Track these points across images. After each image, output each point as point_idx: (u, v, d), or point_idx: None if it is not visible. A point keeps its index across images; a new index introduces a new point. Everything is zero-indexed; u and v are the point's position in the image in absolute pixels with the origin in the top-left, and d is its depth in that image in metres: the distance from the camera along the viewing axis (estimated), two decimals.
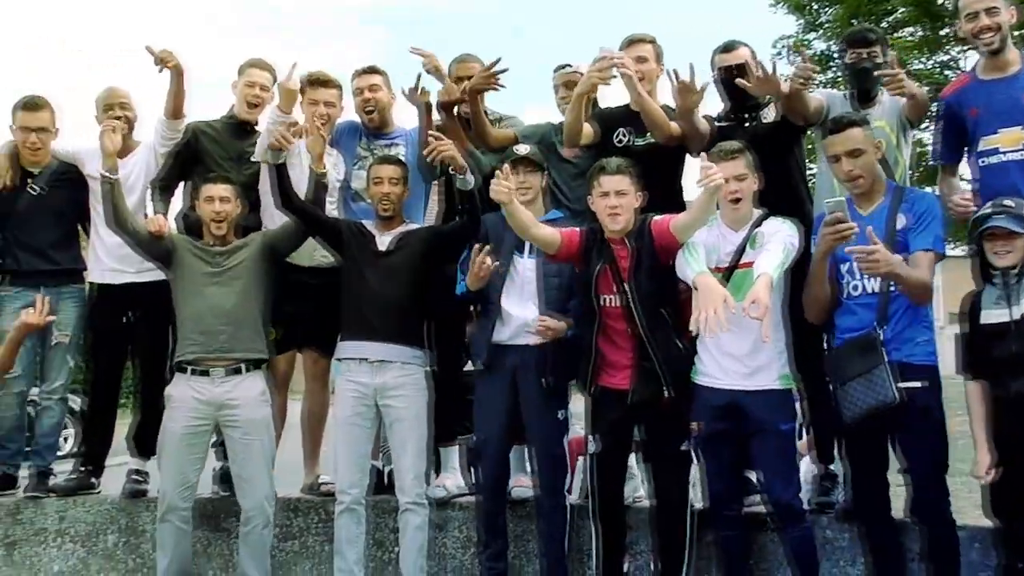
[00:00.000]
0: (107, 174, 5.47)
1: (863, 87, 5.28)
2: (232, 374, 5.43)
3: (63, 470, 6.24)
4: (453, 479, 5.86)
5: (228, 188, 5.58)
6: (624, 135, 5.60)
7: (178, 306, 5.57)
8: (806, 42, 22.96)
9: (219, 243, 5.56)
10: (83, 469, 5.99)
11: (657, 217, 4.96)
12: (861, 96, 5.29)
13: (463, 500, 5.78)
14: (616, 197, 4.92)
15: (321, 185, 5.55)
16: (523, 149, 5.38)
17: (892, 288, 4.62)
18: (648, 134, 5.47)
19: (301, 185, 5.56)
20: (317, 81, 5.90)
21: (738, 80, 5.18)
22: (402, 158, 5.81)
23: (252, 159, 5.87)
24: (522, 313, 5.24)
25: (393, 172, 5.56)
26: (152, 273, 5.87)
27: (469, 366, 5.63)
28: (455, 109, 5.83)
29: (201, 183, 5.65)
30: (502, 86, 5.64)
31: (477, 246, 5.12)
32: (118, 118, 5.83)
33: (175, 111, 5.92)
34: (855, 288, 4.74)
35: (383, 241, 5.52)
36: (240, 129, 6.07)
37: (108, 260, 6.01)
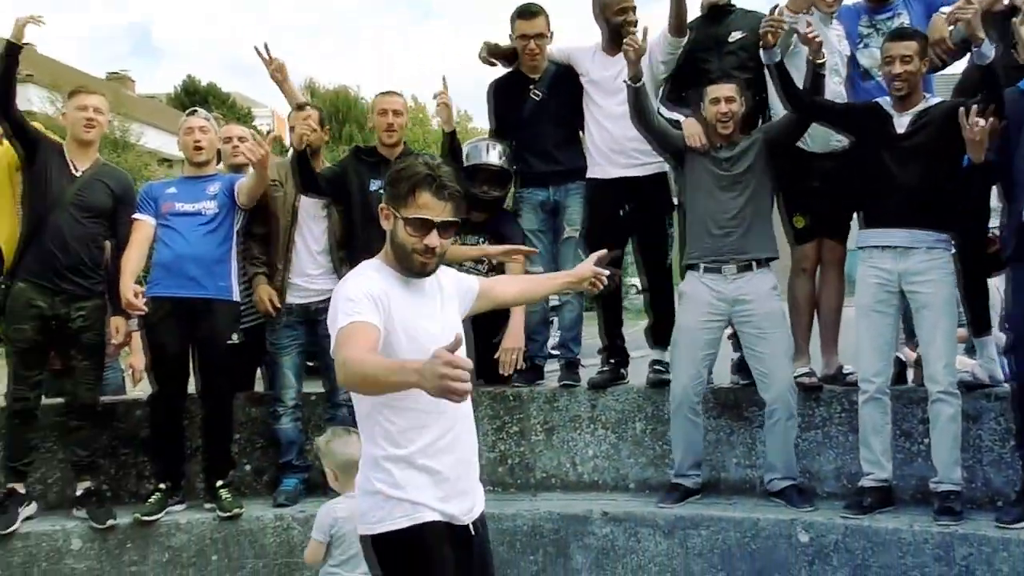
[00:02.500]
0: (630, 82, 5.59)
1: None
2: (743, 270, 5.48)
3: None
4: (987, 369, 5.54)
5: (733, 88, 5.54)
6: None
7: (688, 206, 5.68)
8: None
9: (725, 143, 5.57)
10: (612, 362, 6.27)
11: None
12: None
13: (999, 391, 5.46)
14: None
15: (819, 75, 5.34)
16: None
17: None
18: None
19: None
20: None
21: None
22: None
23: (729, 40, 5.84)
24: None
25: (907, 48, 5.21)
26: (644, 168, 6.03)
27: None
28: None
29: (704, 85, 5.65)
30: None
31: None
32: (631, 23, 5.96)
33: (679, 28, 5.85)
34: None
35: (901, 123, 5.25)
36: (713, 16, 6.04)
37: (598, 156, 6.19)
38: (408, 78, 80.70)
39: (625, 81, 5.61)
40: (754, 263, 5.49)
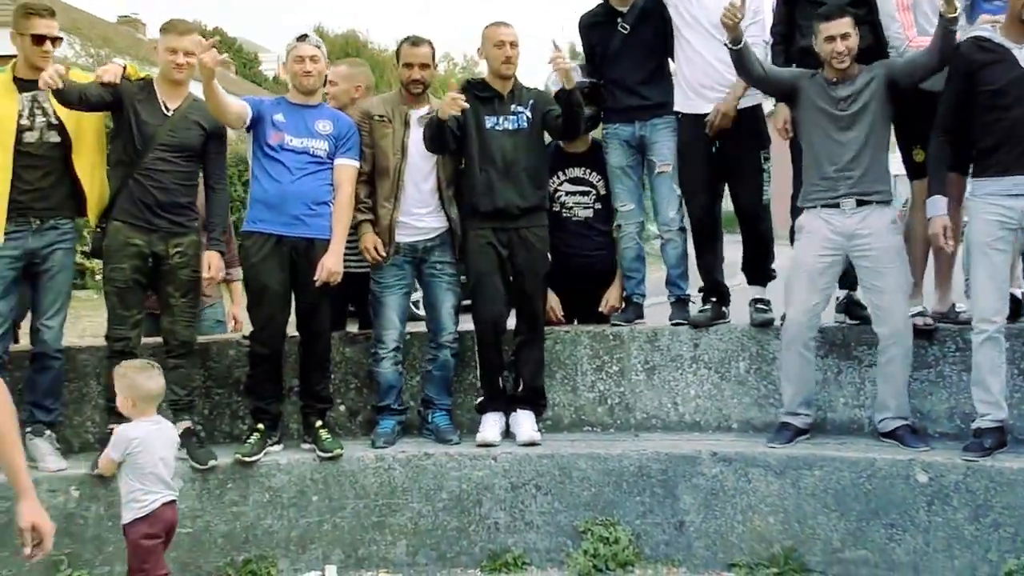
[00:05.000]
0: (730, 45, 5.41)
1: None
2: (862, 205, 5.36)
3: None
4: None
5: (848, 22, 5.36)
6: None
7: (804, 146, 5.55)
8: None
9: (841, 79, 5.40)
10: (713, 300, 6.15)
11: None
12: None
13: None
14: None
15: (951, 31, 5.14)
16: None
17: None
18: None
19: None
20: None
21: None
22: None
23: None
24: None
25: None
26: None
27: None
28: None
29: (817, 21, 5.47)
30: None
31: None
32: None
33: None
34: None
35: (1021, 55, 5.07)
36: None
37: (688, 91, 6.03)
38: (420, 25, 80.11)
39: (726, 44, 5.45)
40: (873, 200, 5.38)
